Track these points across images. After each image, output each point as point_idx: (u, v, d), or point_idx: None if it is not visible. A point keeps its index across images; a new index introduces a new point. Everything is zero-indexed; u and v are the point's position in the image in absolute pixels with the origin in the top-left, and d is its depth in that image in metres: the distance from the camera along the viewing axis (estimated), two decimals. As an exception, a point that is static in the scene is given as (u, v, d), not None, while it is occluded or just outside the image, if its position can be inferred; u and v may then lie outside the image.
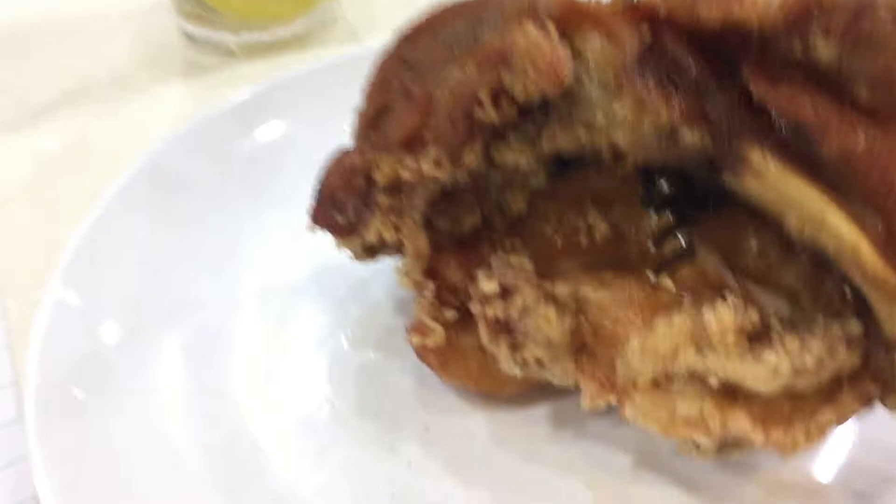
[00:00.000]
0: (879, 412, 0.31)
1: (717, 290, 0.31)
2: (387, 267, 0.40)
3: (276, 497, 0.35)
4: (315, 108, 0.49)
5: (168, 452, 0.35)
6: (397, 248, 0.37)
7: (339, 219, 0.36)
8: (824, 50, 0.25)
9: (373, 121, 0.36)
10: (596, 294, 0.33)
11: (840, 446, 0.34)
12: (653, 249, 0.34)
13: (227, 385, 0.39)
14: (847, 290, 0.29)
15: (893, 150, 0.25)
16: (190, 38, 0.63)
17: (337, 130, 0.38)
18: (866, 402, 0.29)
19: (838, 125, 0.26)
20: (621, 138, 0.30)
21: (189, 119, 0.49)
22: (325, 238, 0.37)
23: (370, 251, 0.38)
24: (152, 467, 0.34)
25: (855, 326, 0.29)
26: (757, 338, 0.29)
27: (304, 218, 0.37)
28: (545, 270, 0.35)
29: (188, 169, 0.47)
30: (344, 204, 0.36)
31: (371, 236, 0.36)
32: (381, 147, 0.35)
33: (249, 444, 0.36)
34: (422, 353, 0.37)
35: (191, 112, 0.56)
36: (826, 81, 0.26)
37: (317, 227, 0.37)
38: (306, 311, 0.42)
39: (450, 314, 0.36)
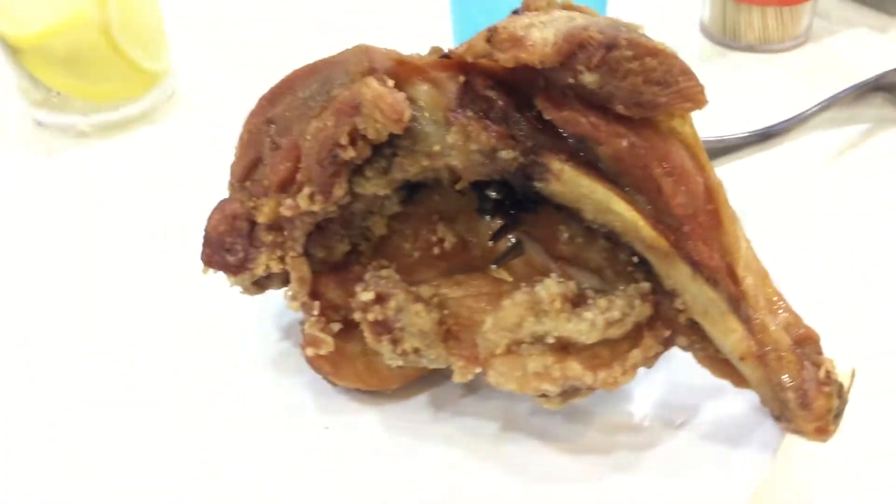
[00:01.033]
0: (683, 360, 0.40)
1: (543, 274, 0.39)
2: (271, 302, 0.46)
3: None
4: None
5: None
6: (283, 278, 0.43)
7: (230, 259, 0.42)
8: (589, 78, 0.34)
9: (246, 173, 0.42)
10: (453, 292, 0.41)
11: (657, 391, 0.42)
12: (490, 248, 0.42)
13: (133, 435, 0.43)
14: (636, 259, 0.37)
15: (646, 149, 0.35)
16: (41, 125, 0.65)
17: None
18: (664, 342, 0.38)
19: (607, 134, 0.35)
20: (455, 161, 0.38)
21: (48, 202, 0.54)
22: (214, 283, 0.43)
23: (259, 285, 0.44)
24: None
25: (645, 286, 0.37)
26: (577, 302, 0.37)
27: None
28: (409, 281, 0.42)
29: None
30: (232, 245, 0.42)
31: (260, 270, 0.42)
32: (259, 193, 0.41)
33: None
34: (315, 362, 0.43)
35: (52, 194, 0.58)
36: (595, 101, 0.34)
37: (210, 269, 0.43)
38: (204, 352, 0.47)
39: (335, 326, 0.42)
